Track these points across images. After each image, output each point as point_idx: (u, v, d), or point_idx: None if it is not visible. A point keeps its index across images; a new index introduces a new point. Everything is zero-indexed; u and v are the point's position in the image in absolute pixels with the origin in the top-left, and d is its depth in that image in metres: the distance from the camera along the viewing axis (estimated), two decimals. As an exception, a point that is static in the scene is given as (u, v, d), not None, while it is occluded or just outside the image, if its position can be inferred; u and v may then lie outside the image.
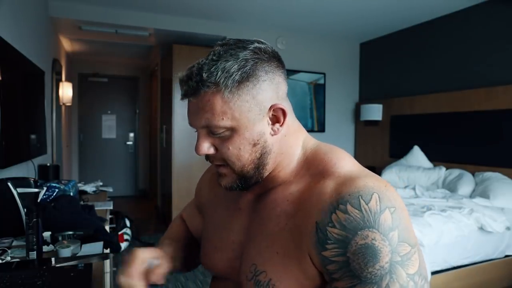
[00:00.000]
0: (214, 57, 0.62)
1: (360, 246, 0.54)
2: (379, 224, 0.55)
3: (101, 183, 2.95)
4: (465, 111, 3.44)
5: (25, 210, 1.25)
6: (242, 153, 0.65)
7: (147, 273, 0.72)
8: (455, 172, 3.32)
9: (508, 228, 2.52)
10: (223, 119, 0.62)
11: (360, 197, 0.57)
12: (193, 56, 4.00)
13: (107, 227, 1.78)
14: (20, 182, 1.48)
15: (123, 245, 3.01)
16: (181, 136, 4.14)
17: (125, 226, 3.22)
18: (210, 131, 0.64)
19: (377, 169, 3.95)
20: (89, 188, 2.74)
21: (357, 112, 4.85)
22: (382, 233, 0.54)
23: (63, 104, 4.29)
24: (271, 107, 0.64)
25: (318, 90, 4.71)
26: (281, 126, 0.66)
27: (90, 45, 4.97)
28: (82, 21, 3.81)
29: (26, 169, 2.43)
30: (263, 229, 0.67)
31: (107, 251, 1.40)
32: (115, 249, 1.46)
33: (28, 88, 2.38)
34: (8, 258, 1.22)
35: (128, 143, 6.61)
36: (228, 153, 0.65)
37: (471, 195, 3.00)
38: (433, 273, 2.27)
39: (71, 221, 1.53)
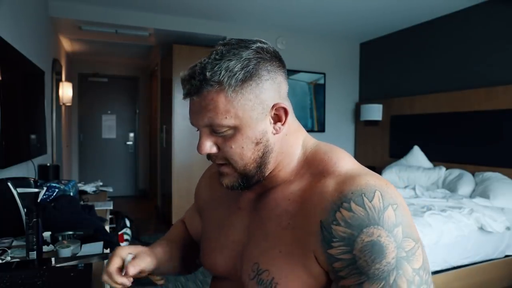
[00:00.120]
0: (217, 57, 0.62)
1: (366, 243, 0.55)
2: (383, 221, 0.55)
3: (101, 183, 2.95)
4: (465, 111, 3.44)
5: (25, 210, 1.25)
6: (244, 151, 0.65)
7: (127, 268, 0.75)
8: (455, 172, 3.32)
9: (508, 228, 2.52)
10: (226, 117, 0.62)
11: (363, 195, 0.57)
12: (193, 56, 4.00)
13: (107, 227, 1.78)
14: (20, 182, 1.48)
15: (123, 245, 3.01)
16: (181, 136, 4.15)
17: (125, 226, 3.22)
18: (213, 130, 0.65)
19: (377, 169, 3.94)
20: (89, 188, 2.74)
21: (357, 112, 4.85)
22: (387, 229, 0.55)
23: (63, 104, 4.29)
24: (273, 106, 0.65)
25: (318, 90, 4.71)
26: (282, 125, 0.66)
27: (90, 45, 4.97)
28: (82, 21, 3.81)
29: (26, 169, 2.43)
30: (264, 228, 0.67)
31: (107, 251, 1.39)
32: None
33: (28, 88, 2.38)
34: (8, 258, 1.22)
35: (128, 143, 6.61)
36: (231, 152, 0.65)
37: (471, 195, 3.00)
38: (433, 273, 2.26)
39: (71, 221, 1.53)
